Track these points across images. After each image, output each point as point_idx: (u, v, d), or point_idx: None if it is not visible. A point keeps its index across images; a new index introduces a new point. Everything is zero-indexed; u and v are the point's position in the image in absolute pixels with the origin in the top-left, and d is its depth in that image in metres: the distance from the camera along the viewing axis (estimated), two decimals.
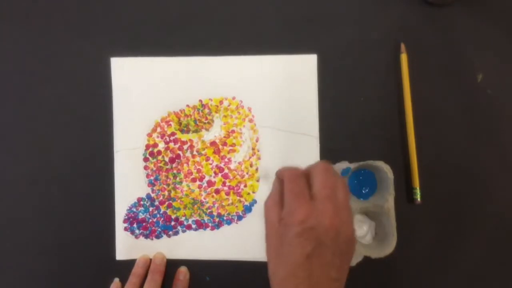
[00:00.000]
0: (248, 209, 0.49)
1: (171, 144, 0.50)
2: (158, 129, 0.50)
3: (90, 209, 0.50)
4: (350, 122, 0.49)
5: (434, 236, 0.48)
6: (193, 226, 0.49)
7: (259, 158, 0.49)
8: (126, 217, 0.49)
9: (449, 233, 0.49)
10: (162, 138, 0.50)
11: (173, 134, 0.50)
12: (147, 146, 0.50)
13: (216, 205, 0.49)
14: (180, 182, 0.50)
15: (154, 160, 0.50)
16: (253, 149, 0.50)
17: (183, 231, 0.49)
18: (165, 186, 0.50)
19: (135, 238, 0.49)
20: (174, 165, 0.50)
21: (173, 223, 0.50)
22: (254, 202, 0.49)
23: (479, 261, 0.48)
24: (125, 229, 0.49)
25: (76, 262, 0.49)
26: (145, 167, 0.50)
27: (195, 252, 0.49)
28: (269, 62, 0.50)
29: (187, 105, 0.50)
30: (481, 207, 0.49)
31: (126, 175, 0.50)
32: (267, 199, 0.37)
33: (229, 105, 0.50)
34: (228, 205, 0.49)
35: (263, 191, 0.49)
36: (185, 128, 0.50)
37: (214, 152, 0.50)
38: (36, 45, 0.51)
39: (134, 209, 0.50)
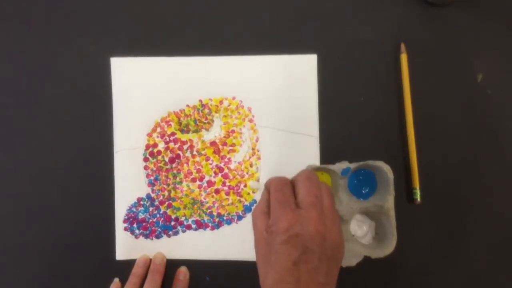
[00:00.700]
0: (248, 209, 0.49)
1: (171, 144, 0.50)
2: (158, 129, 0.50)
3: (90, 209, 0.50)
4: (350, 122, 0.49)
5: (434, 236, 0.48)
6: (193, 226, 0.49)
7: (259, 158, 0.49)
8: (126, 217, 0.49)
9: (449, 233, 0.49)
10: (162, 138, 0.50)
11: (173, 134, 0.50)
12: (147, 146, 0.50)
13: (216, 205, 0.49)
14: (180, 182, 0.50)
15: (154, 160, 0.50)
16: (253, 149, 0.50)
17: (183, 231, 0.49)
18: (165, 186, 0.50)
19: (135, 238, 0.49)
20: (174, 165, 0.50)
21: (173, 223, 0.50)
22: (254, 202, 0.49)
23: (479, 261, 0.48)
24: (125, 229, 0.49)
25: (76, 262, 0.49)
26: (145, 167, 0.50)
27: (195, 252, 0.49)
28: (269, 62, 0.50)
29: (187, 105, 0.50)
30: (481, 207, 0.49)
31: (126, 175, 0.50)
32: (255, 208, 0.39)
33: (229, 105, 0.50)
34: (228, 205, 0.49)
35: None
36: (185, 128, 0.50)
37: (214, 152, 0.50)
38: (36, 45, 0.51)
39: (134, 209, 0.50)
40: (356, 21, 0.50)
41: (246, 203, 0.49)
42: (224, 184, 0.50)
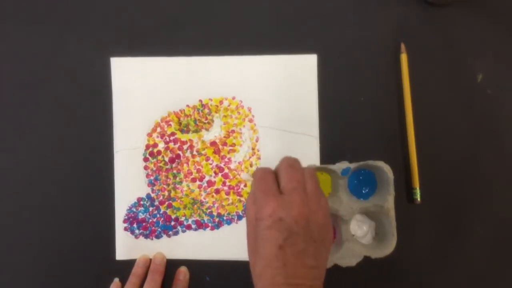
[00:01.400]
0: None
1: (171, 144, 0.50)
2: (158, 129, 0.50)
3: (90, 209, 0.50)
4: (350, 122, 0.49)
5: (434, 236, 0.48)
6: (193, 226, 0.49)
7: (259, 158, 0.49)
8: (126, 217, 0.49)
9: (449, 233, 0.49)
10: (162, 138, 0.50)
11: (173, 134, 0.50)
12: (147, 146, 0.50)
13: (216, 205, 0.49)
14: (180, 182, 0.50)
15: (154, 160, 0.50)
16: (253, 149, 0.50)
17: (183, 231, 0.49)
18: (165, 186, 0.50)
19: (135, 238, 0.49)
20: (174, 165, 0.50)
21: (173, 223, 0.49)
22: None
23: (479, 261, 0.48)
24: (125, 229, 0.49)
25: (76, 262, 0.49)
26: (145, 167, 0.50)
27: (195, 252, 0.49)
28: (269, 62, 0.50)
29: (187, 105, 0.50)
30: (481, 207, 0.49)
31: (126, 175, 0.50)
32: (246, 200, 0.39)
33: (229, 105, 0.50)
34: (228, 205, 0.49)
35: None
36: (185, 128, 0.50)
37: (214, 152, 0.50)
38: (36, 45, 0.51)
39: (134, 209, 0.50)
40: (356, 21, 0.50)
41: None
42: (224, 184, 0.50)
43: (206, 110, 0.50)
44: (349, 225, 0.47)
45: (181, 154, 0.50)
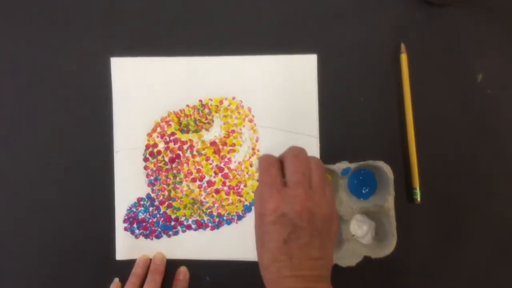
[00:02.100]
0: (248, 208, 0.49)
1: (171, 144, 0.50)
2: (158, 129, 0.50)
3: (90, 209, 0.50)
4: (350, 122, 0.49)
5: (434, 236, 0.48)
6: (193, 226, 0.49)
7: None
8: (126, 217, 0.49)
9: (449, 233, 0.49)
10: (162, 138, 0.50)
11: (173, 134, 0.50)
12: (147, 146, 0.50)
13: (216, 205, 0.49)
14: (180, 182, 0.50)
15: (154, 160, 0.50)
16: (253, 149, 0.50)
17: (183, 231, 0.49)
18: (165, 186, 0.50)
19: (135, 238, 0.49)
20: (174, 165, 0.50)
21: (173, 223, 0.49)
22: (254, 201, 0.49)
23: (479, 261, 0.48)
24: (125, 229, 0.49)
25: (76, 262, 0.49)
26: (145, 167, 0.50)
27: (195, 252, 0.49)
28: (269, 62, 0.50)
29: (187, 105, 0.50)
30: (481, 207, 0.49)
31: (126, 175, 0.50)
32: (255, 190, 0.39)
33: (229, 105, 0.50)
34: (228, 205, 0.49)
35: None
36: (185, 128, 0.50)
37: (214, 152, 0.50)
38: (36, 45, 0.51)
39: (134, 209, 0.50)
40: (356, 21, 0.50)
41: (246, 203, 0.49)
42: (224, 184, 0.50)
43: (206, 110, 0.50)
44: (349, 225, 0.47)
45: (181, 154, 0.50)
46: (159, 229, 0.50)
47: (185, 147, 0.50)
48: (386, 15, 0.50)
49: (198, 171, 0.50)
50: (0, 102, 0.51)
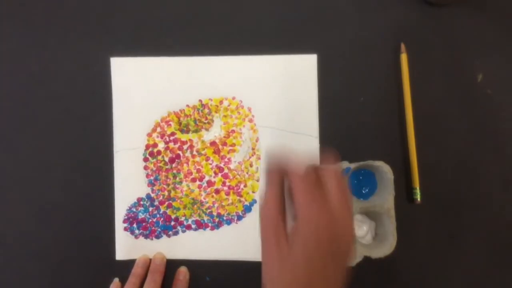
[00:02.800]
0: (248, 209, 0.49)
1: (171, 144, 0.50)
2: (158, 129, 0.50)
3: (90, 209, 0.50)
4: (350, 122, 0.49)
5: (434, 236, 0.48)
6: (193, 226, 0.49)
7: (259, 158, 0.49)
8: (126, 217, 0.49)
9: (449, 233, 0.49)
10: (162, 138, 0.50)
11: (173, 134, 0.50)
12: (147, 146, 0.50)
13: (216, 205, 0.49)
14: (180, 182, 0.50)
15: (154, 160, 0.50)
16: (253, 149, 0.50)
17: (183, 231, 0.49)
18: (165, 186, 0.50)
19: (135, 238, 0.49)
20: (174, 165, 0.50)
21: (173, 223, 0.49)
22: (254, 201, 0.49)
23: (479, 261, 0.48)
24: (125, 229, 0.49)
25: (76, 262, 0.49)
26: (145, 167, 0.50)
27: (195, 252, 0.49)
28: (269, 62, 0.50)
29: (187, 105, 0.50)
30: (481, 207, 0.49)
31: (126, 175, 0.50)
32: (266, 197, 0.34)
33: (229, 105, 0.50)
34: (228, 205, 0.49)
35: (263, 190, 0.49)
36: (185, 128, 0.50)
37: (214, 152, 0.50)
38: (36, 45, 0.51)
39: (134, 209, 0.50)
40: (356, 21, 0.50)
41: (246, 203, 0.49)
42: (224, 184, 0.50)
43: (206, 110, 0.50)
44: None
45: (181, 154, 0.50)
46: (159, 229, 0.50)
47: (185, 147, 0.50)
48: (386, 15, 0.50)
49: (198, 171, 0.50)
50: (0, 102, 0.51)
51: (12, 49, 0.51)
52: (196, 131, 0.50)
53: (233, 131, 0.50)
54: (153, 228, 0.50)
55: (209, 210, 0.49)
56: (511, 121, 0.49)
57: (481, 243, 0.48)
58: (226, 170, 0.50)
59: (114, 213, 0.49)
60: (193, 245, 0.49)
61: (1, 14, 0.52)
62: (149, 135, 0.50)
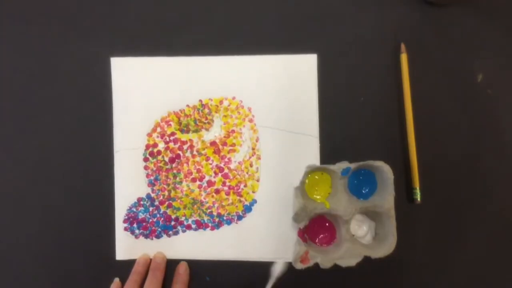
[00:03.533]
0: (248, 208, 0.49)
1: (171, 144, 0.50)
2: (158, 129, 0.50)
3: (90, 209, 0.50)
4: (350, 122, 0.49)
5: (434, 236, 0.48)
6: (193, 226, 0.49)
7: (259, 158, 0.49)
8: (126, 217, 0.49)
9: (449, 233, 0.49)
10: (162, 138, 0.50)
11: (173, 134, 0.50)
12: (147, 146, 0.50)
13: (216, 205, 0.49)
14: (180, 182, 0.50)
15: (154, 160, 0.50)
16: (253, 149, 0.50)
17: (183, 231, 0.49)
18: (165, 186, 0.50)
19: (135, 238, 0.49)
20: (174, 165, 0.50)
21: (173, 223, 0.50)
22: (254, 201, 0.49)
23: (479, 261, 0.48)
24: (125, 229, 0.49)
25: (76, 262, 0.49)
26: (145, 167, 0.50)
27: (195, 252, 0.49)
28: (269, 62, 0.50)
29: (187, 105, 0.50)
30: (481, 207, 0.49)
31: (126, 175, 0.50)
32: None
33: (229, 105, 0.50)
34: (228, 205, 0.49)
35: (263, 190, 0.49)
36: (185, 128, 0.50)
37: (214, 152, 0.50)
38: (36, 45, 0.51)
39: (134, 209, 0.50)
40: (356, 21, 0.50)
41: (246, 203, 0.49)
42: (224, 184, 0.50)
43: (206, 110, 0.50)
44: (349, 225, 0.47)
45: (181, 154, 0.50)
46: (159, 229, 0.50)
47: (185, 147, 0.50)
48: (386, 15, 0.50)
49: (198, 171, 0.50)
50: (0, 102, 0.51)
51: (12, 49, 0.51)
52: (196, 131, 0.50)
53: (233, 131, 0.50)
54: (153, 228, 0.50)
55: (209, 210, 0.49)
56: (511, 121, 0.49)
57: (481, 243, 0.48)
58: (226, 170, 0.50)
59: (114, 213, 0.49)
60: (193, 245, 0.49)
61: (1, 14, 0.52)
62: (149, 135, 0.50)
